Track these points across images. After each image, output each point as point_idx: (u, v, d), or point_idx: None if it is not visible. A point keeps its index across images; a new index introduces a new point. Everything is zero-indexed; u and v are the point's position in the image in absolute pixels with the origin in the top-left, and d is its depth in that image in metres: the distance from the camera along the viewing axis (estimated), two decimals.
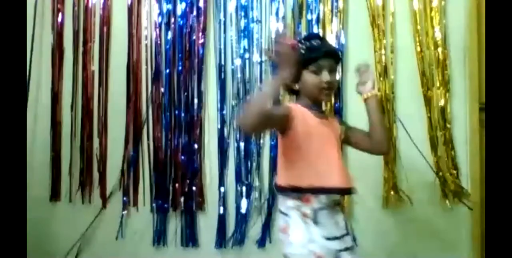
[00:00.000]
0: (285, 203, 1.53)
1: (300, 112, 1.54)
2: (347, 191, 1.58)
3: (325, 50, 1.59)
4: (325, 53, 1.57)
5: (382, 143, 1.65)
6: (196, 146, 2.31)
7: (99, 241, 2.37)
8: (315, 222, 1.49)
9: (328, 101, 1.62)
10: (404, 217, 2.19)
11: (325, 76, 1.54)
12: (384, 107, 2.16)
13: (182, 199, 2.30)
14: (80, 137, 2.40)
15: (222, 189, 2.29)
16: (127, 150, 2.36)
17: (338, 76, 1.61)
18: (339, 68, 1.66)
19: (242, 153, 2.27)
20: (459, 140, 2.17)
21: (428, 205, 2.17)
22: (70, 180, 2.41)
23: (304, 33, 2.22)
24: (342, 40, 2.22)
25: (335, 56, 1.61)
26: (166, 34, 2.33)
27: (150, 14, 2.37)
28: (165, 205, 2.32)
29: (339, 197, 1.59)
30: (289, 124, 1.50)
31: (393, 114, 2.19)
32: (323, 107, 1.69)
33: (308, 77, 1.56)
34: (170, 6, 2.33)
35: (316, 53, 1.57)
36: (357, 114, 2.19)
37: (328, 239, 1.48)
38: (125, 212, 2.36)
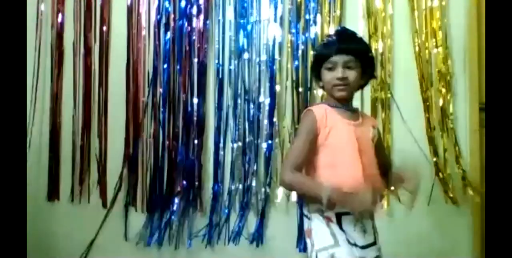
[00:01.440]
0: (308, 206, 1.52)
1: (320, 120, 1.51)
2: None
3: (338, 46, 1.53)
4: (338, 50, 1.52)
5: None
6: (195, 146, 2.30)
7: (99, 240, 2.37)
8: (340, 227, 1.46)
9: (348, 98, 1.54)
10: (403, 217, 2.19)
11: (337, 72, 1.51)
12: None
13: (180, 198, 2.30)
14: (80, 136, 2.40)
15: (218, 187, 2.29)
16: (126, 150, 2.35)
17: (355, 74, 1.51)
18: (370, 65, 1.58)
19: (240, 152, 2.27)
20: (459, 140, 2.17)
21: (427, 205, 2.17)
22: (70, 180, 2.40)
23: (302, 34, 2.23)
24: None
25: (350, 52, 1.52)
26: (165, 34, 2.33)
27: (150, 14, 2.36)
28: (164, 205, 2.32)
29: None
30: (316, 138, 1.51)
31: (391, 114, 2.19)
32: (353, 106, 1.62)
33: (324, 74, 1.55)
34: (169, 6, 2.33)
35: (328, 50, 1.55)
36: None
37: (353, 245, 1.45)
38: (124, 211, 2.35)
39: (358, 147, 1.50)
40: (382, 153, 1.65)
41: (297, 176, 1.48)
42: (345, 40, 1.57)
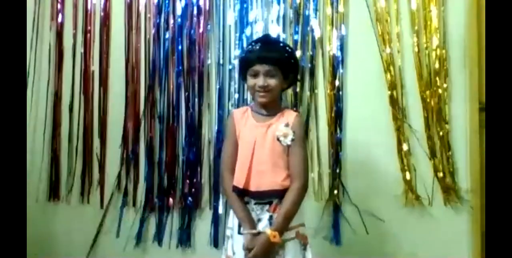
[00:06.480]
0: None
1: (237, 121, 1.70)
2: (253, 194, 1.63)
3: (259, 56, 1.64)
4: (259, 60, 1.63)
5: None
6: (195, 146, 2.30)
7: (98, 240, 2.37)
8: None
9: (265, 102, 1.65)
10: (403, 217, 2.18)
11: (259, 80, 1.62)
12: None
13: (181, 199, 2.30)
14: (80, 137, 2.40)
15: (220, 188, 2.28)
16: (126, 150, 2.36)
17: (275, 81, 1.63)
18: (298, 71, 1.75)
19: None
20: (459, 140, 2.17)
21: (427, 206, 2.17)
22: (70, 180, 2.41)
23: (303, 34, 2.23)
24: (343, 40, 2.22)
25: (271, 62, 1.62)
26: (165, 34, 2.33)
27: (150, 14, 2.36)
28: (164, 205, 2.32)
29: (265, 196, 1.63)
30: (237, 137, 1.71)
31: (399, 112, 2.19)
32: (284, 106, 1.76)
33: (248, 79, 1.68)
34: (169, 6, 2.33)
35: (251, 59, 1.66)
36: (357, 117, 2.21)
37: (240, 233, 1.63)
38: (124, 211, 2.35)
39: (253, 149, 1.63)
40: (291, 155, 1.64)
41: (231, 197, 1.68)
42: (267, 50, 1.66)
